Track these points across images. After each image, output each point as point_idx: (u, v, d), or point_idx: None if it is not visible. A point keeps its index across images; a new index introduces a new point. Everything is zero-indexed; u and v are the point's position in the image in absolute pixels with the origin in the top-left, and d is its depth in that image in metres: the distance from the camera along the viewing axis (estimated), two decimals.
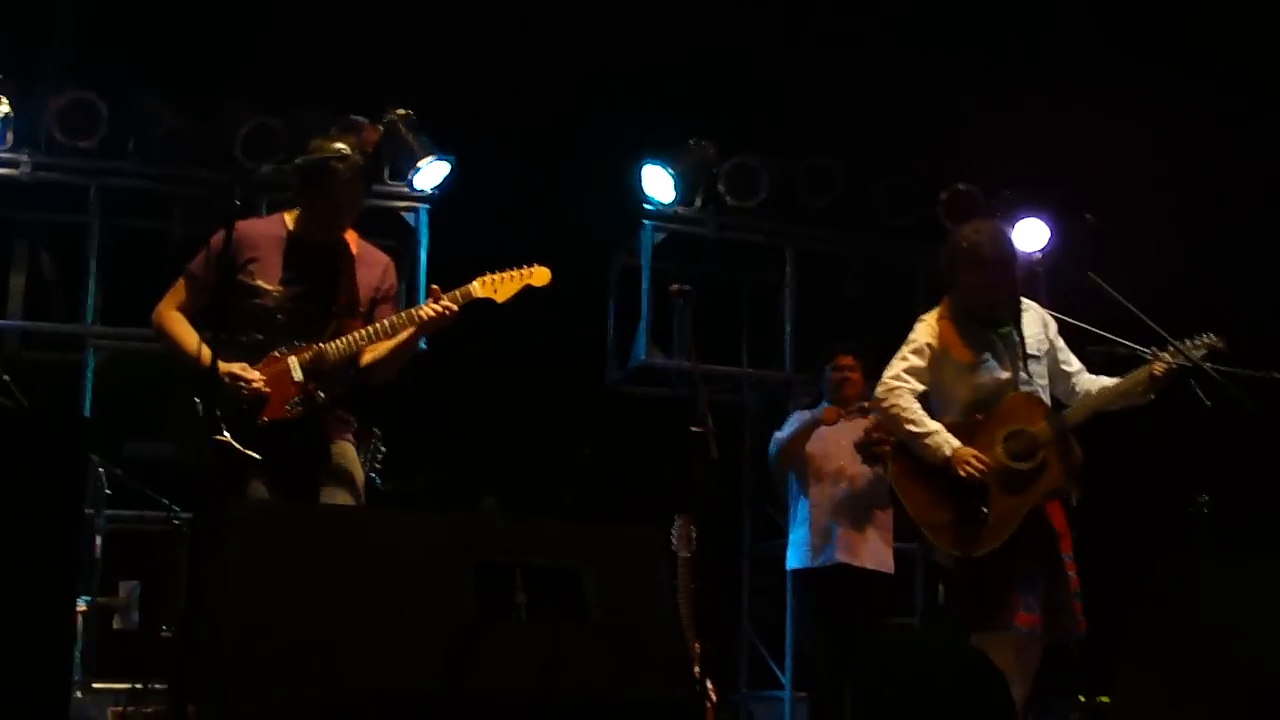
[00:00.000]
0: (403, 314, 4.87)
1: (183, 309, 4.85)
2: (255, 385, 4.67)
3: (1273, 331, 7.11)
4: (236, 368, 4.66)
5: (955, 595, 5.55)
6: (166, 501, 6.74)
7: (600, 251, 8.76)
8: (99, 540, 6.60)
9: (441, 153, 7.95)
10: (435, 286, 4.90)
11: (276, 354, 4.76)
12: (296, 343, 4.78)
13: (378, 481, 6.64)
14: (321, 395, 4.78)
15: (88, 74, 7.56)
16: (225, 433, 4.58)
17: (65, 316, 7.81)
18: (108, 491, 6.66)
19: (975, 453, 5.17)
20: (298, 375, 4.74)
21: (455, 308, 4.85)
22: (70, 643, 5.79)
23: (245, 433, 4.63)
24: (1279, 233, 8.11)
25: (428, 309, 4.82)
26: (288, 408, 4.72)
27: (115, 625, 6.79)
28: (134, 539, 7.09)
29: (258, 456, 4.62)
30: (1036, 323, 5.46)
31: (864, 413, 6.84)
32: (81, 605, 6.32)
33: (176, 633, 6.27)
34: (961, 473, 5.15)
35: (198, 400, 4.56)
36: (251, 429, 4.65)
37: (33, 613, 3.88)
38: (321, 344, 4.79)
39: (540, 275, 5.03)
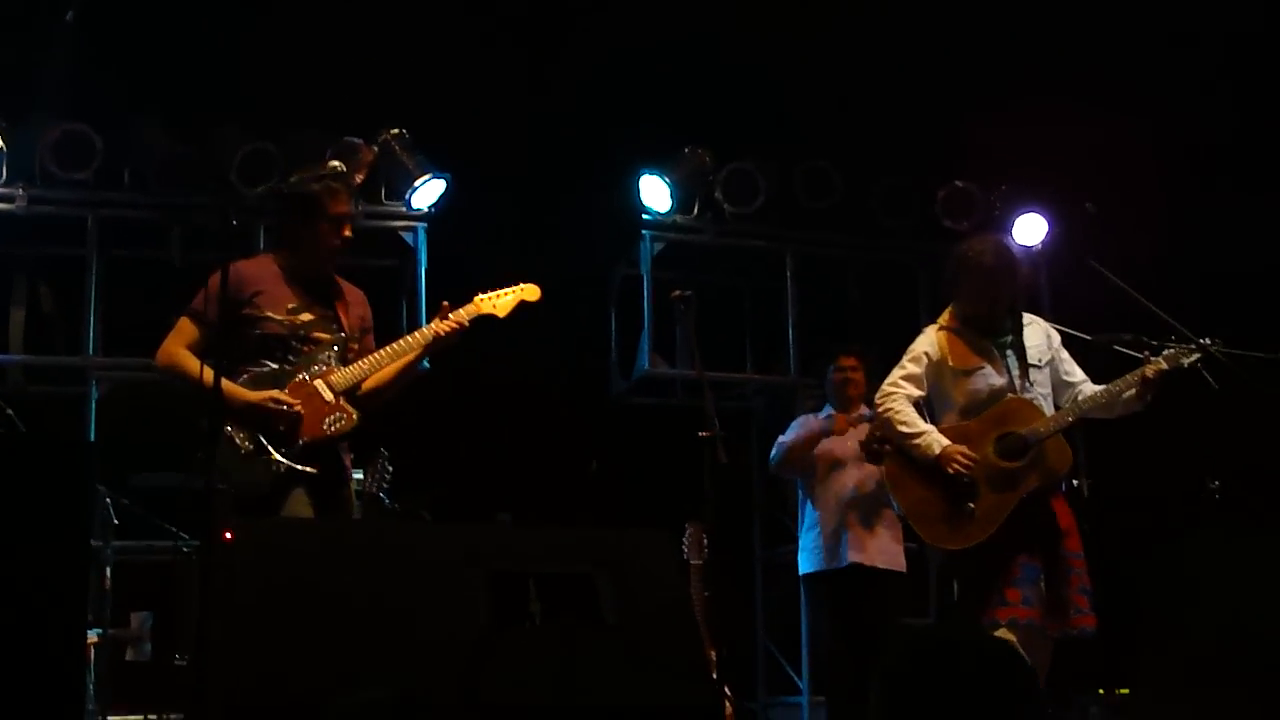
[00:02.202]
0: (416, 333, 5.09)
1: (191, 348, 4.90)
2: (295, 405, 4.78)
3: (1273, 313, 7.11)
4: (273, 393, 4.78)
5: (961, 589, 5.64)
6: (175, 530, 6.72)
7: (600, 263, 8.74)
8: (108, 571, 6.59)
9: (437, 171, 7.96)
10: (445, 303, 5.09)
11: (300, 379, 4.87)
12: (316, 367, 4.90)
13: (387, 501, 6.64)
14: (354, 413, 4.91)
15: (80, 105, 7.55)
16: (274, 452, 4.74)
17: (66, 349, 7.79)
18: (115, 522, 6.65)
19: (963, 449, 5.37)
20: (328, 396, 4.87)
21: (466, 322, 5.07)
22: (82, 675, 5.78)
23: (288, 451, 4.78)
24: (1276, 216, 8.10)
25: (442, 324, 5.03)
26: (326, 426, 4.85)
27: (128, 657, 6.78)
28: (143, 569, 7.08)
29: (313, 470, 4.78)
30: (1039, 335, 5.63)
31: (871, 418, 6.83)
32: (93, 637, 6.30)
33: (190, 661, 6.26)
34: (949, 469, 5.35)
35: (230, 428, 4.73)
36: (292, 449, 4.79)
37: (44, 645, 3.88)
38: (339, 366, 4.94)
39: (531, 291, 5.30)
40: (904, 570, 6.95)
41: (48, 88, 7.53)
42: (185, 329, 4.92)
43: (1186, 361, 5.30)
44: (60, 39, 7.36)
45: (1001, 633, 5.08)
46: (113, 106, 7.61)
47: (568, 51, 8.29)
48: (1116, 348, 5.52)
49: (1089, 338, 5.65)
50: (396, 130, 7.95)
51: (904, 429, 5.49)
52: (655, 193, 8.38)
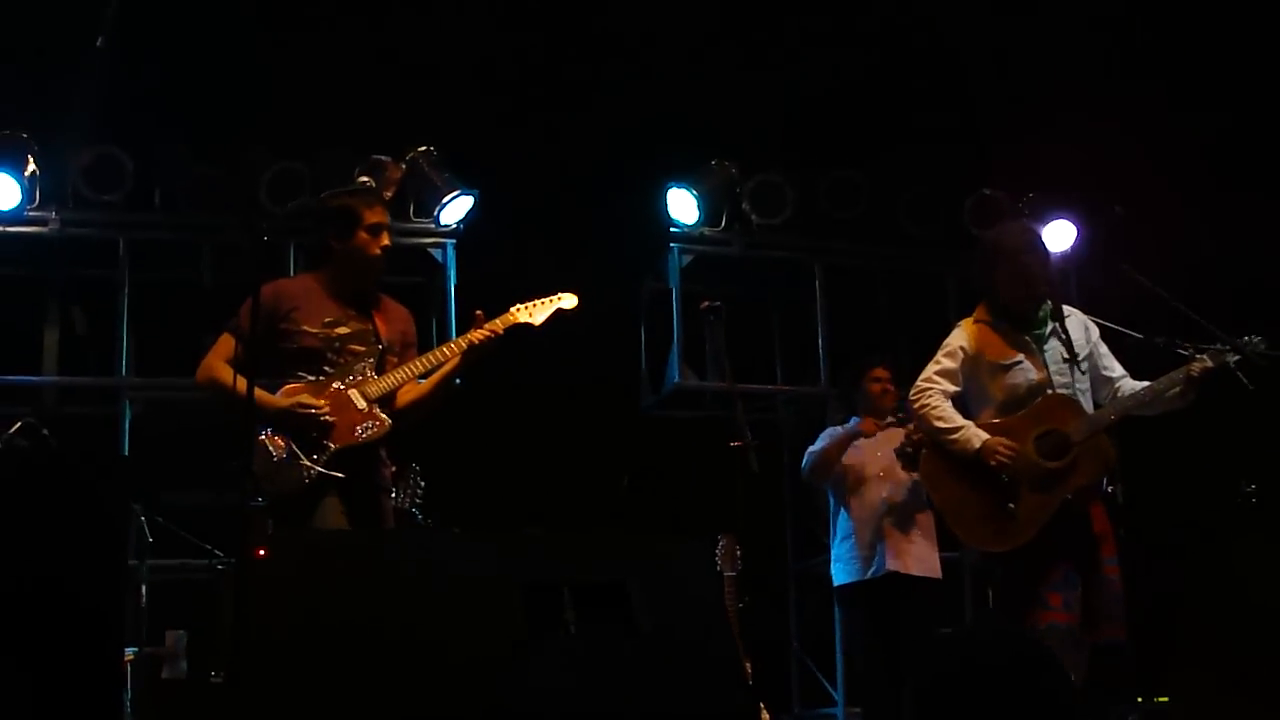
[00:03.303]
0: (450, 344, 5.06)
1: (232, 363, 4.90)
2: (324, 410, 4.79)
3: None
4: (301, 396, 4.80)
5: (997, 594, 5.53)
6: (209, 548, 6.75)
7: (628, 277, 8.74)
8: (144, 589, 6.62)
9: (465, 187, 7.99)
10: (480, 312, 5.05)
11: (334, 388, 4.89)
12: (351, 377, 4.92)
13: (419, 516, 6.65)
14: (386, 421, 4.91)
15: (111, 129, 7.62)
16: (304, 458, 4.75)
17: (99, 370, 7.83)
18: (150, 540, 6.68)
19: (1003, 441, 5.19)
20: (361, 404, 4.88)
21: (500, 330, 5.02)
22: (120, 693, 5.81)
23: (319, 457, 4.78)
24: None
25: (476, 334, 4.99)
26: (358, 432, 4.85)
27: (164, 675, 6.80)
28: (178, 588, 7.11)
29: (340, 475, 4.77)
30: (1078, 327, 5.43)
31: (901, 423, 6.84)
32: (129, 655, 6.32)
33: (225, 678, 6.28)
34: (992, 462, 5.16)
35: (265, 436, 4.75)
36: (323, 455, 4.79)
37: (82, 663, 3.90)
38: (376, 376, 4.95)
39: (568, 299, 5.25)
40: (939, 577, 6.92)
41: (79, 112, 7.60)
42: (226, 345, 4.94)
43: (1231, 360, 5.11)
44: (91, 64, 7.42)
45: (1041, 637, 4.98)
46: (143, 130, 7.67)
47: (594, 66, 8.31)
48: (1157, 340, 5.36)
49: (1139, 335, 5.44)
50: (424, 148, 7.99)
51: (941, 424, 5.31)
52: (683, 205, 8.39)
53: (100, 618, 4.03)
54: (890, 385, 7.06)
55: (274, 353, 4.87)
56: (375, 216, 5.01)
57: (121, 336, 7.69)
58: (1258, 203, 8.30)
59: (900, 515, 6.83)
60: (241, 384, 4.75)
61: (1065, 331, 5.36)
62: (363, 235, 4.98)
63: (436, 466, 6.78)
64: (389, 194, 7.78)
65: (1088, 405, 5.34)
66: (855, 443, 7.00)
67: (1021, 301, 5.35)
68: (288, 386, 4.86)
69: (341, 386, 4.89)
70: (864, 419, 6.99)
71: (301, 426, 4.77)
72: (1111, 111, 8.16)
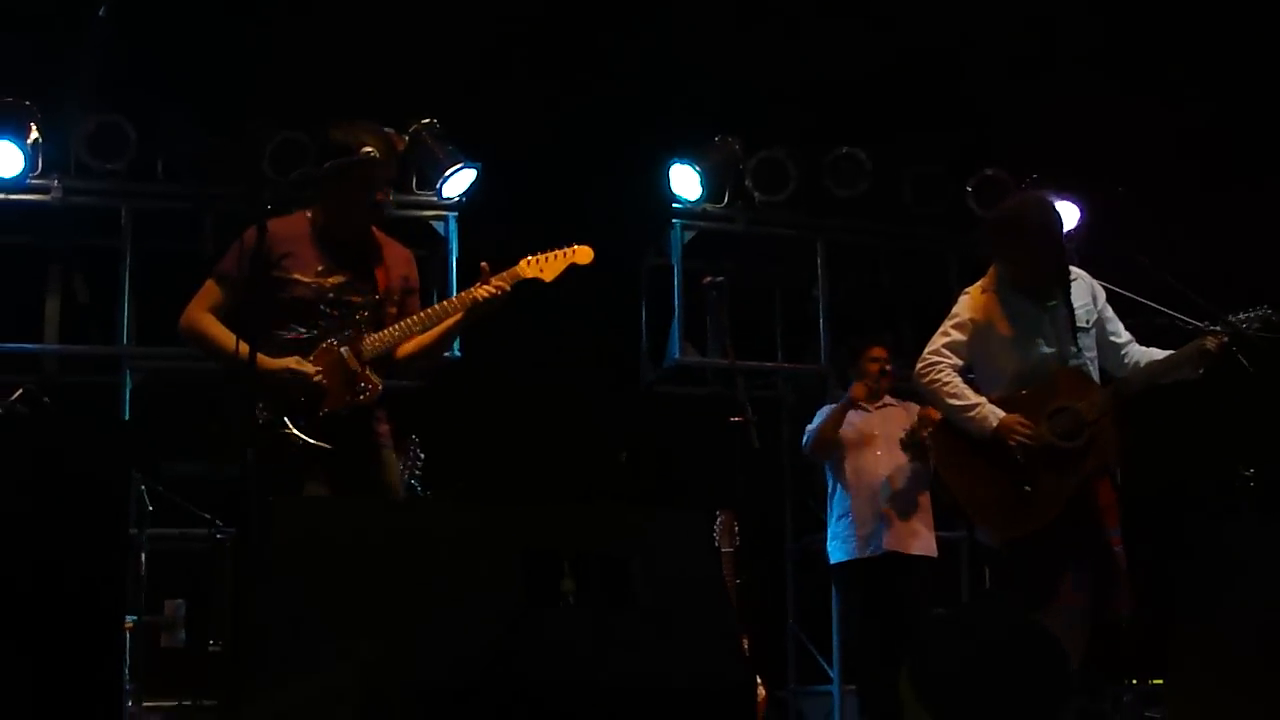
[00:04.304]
0: (454, 298, 4.84)
1: (215, 310, 4.73)
2: (316, 379, 4.60)
3: None
4: (292, 362, 4.59)
5: (1003, 577, 5.47)
6: (208, 517, 6.77)
7: (630, 252, 8.73)
8: (143, 558, 6.64)
9: (468, 160, 7.97)
10: (485, 265, 4.80)
11: (326, 345, 4.68)
12: (345, 333, 4.71)
13: (418, 489, 6.66)
14: (379, 384, 4.72)
15: (114, 97, 7.60)
16: (290, 426, 4.57)
17: (101, 339, 7.84)
18: (150, 509, 6.70)
19: (1020, 419, 5.03)
20: (354, 365, 4.67)
21: (507, 287, 4.78)
22: (120, 661, 5.83)
23: (307, 425, 4.60)
24: None
25: (481, 289, 4.74)
26: (349, 396, 4.66)
27: (163, 643, 6.83)
28: (178, 557, 7.13)
29: (328, 446, 4.58)
30: (1085, 293, 5.26)
31: (901, 399, 6.88)
32: (128, 623, 6.34)
33: (224, 647, 6.30)
34: (1011, 441, 5.01)
35: (259, 405, 4.53)
36: (312, 421, 4.61)
37: (83, 631, 3.92)
38: (371, 332, 4.74)
39: (583, 254, 4.98)
40: (935, 555, 6.95)
41: (82, 80, 7.59)
42: (210, 292, 4.75)
43: (1246, 332, 4.97)
44: (93, 31, 7.40)
45: (1052, 618, 4.84)
46: (146, 98, 7.65)
47: (598, 41, 8.29)
48: (1158, 322, 5.29)
49: (1137, 298, 5.28)
50: (427, 120, 7.97)
51: (955, 401, 5.11)
52: (685, 181, 8.37)
53: (100, 586, 4.04)
54: (888, 365, 7.08)
55: (263, 301, 4.59)
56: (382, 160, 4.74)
57: (123, 305, 7.68)
58: (1257, 188, 8.31)
59: (898, 494, 6.85)
60: (222, 332, 4.65)
61: (1068, 304, 5.18)
62: (363, 183, 4.73)
63: (436, 439, 6.78)
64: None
65: (1095, 373, 5.20)
66: (853, 421, 7.01)
67: (1029, 280, 5.19)
68: (278, 341, 4.65)
69: (335, 342, 4.68)
70: (853, 385, 6.99)
71: (290, 389, 4.57)
72: (1115, 93, 8.16)
